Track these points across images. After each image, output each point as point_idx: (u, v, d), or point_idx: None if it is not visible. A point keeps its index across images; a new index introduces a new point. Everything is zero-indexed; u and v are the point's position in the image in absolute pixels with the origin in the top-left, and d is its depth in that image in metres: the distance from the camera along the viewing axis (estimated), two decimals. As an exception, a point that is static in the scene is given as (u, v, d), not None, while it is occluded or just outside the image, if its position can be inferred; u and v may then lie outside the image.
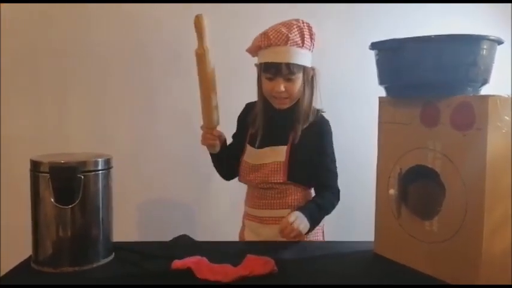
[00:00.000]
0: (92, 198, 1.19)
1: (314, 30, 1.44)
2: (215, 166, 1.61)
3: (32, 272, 1.16)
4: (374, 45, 1.23)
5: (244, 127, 1.58)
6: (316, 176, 1.49)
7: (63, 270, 1.15)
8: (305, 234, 1.37)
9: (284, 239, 1.32)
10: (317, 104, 1.51)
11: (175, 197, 2.33)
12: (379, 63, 1.25)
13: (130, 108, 2.27)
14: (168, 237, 1.43)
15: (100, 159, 1.20)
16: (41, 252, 1.18)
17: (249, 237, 1.55)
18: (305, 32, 1.41)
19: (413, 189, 1.23)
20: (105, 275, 1.14)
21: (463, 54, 1.08)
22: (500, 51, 1.15)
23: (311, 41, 1.43)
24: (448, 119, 1.09)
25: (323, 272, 1.17)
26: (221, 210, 2.31)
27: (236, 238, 1.63)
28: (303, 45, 1.41)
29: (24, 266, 1.20)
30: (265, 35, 1.40)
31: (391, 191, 1.25)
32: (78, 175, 1.15)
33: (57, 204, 1.14)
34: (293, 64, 1.39)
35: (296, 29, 1.40)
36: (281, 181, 1.46)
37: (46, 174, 1.14)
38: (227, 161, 1.59)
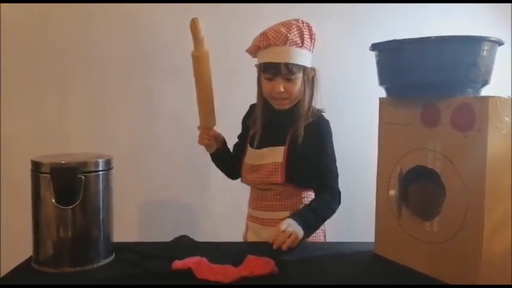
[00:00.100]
0: (93, 198, 1.19)
1: (314, 30, 1.43)
2: (216, 166, 1.63)
3: (33, 272, 1.16)
4: (374, 46, 1.23)
5: (247, 128, 1.58)
6: (315, 177, 1.47)
7: (64, 271, 1.15)
8: (300, 241, 1.30)
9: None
10: (317, 104, 1.50)
11: (175, 197, 2.33)
12: (380, 64, 1.25)
13: (131, 108, 2.27)
14: (168, 237, 1.43)
15: (100, 160, 1.20)
16: (41, 252, 1.18)
17: (252, 239, 1.55)
18: (305, 32, 1.40)
19: (414, 189, 1.23)
20: (106, 275, 1.14)
21: (463, 55, 1.08)
22: (501, 52, 1.15)
23: (311, 41, 1.42)
24: (448, 120, 1.09)
25: (323, 272, 1.17)
26: (221, 211, 2.31)
27: (236, 239, 1.63)
28: (302, 45, 1.39)
29: (24, 266, 1.20)
30: (264, 35, 1.40)
31: (392, 192, 1.25)
32: (79, 176, 1.15)
33: (57, 205, 1.14)
34: (292, 64, 1.38)
35: (295, 29, 1.38)
36: (279, 182, 1.45)
37: (47, 175, 1.14)
38: (229, 161, 1.60)
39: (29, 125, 2.21)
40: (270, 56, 1.39)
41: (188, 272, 1.11)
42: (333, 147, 1.49)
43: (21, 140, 2.19)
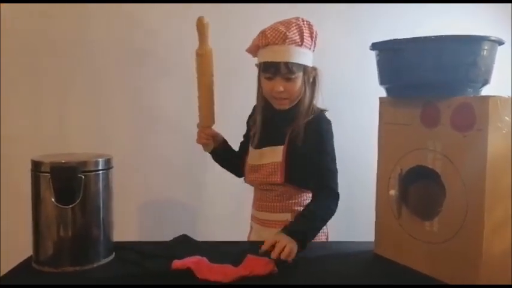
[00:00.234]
0: (93, 198, 1.19)
1: (315, 28, 1.41)
2: (218, 164, 1.64)
3: (33, 272, 1.16)
4: (375, 46, 1.23)
5: (250, 128, 1.58)
6: (313, 176, 1.41)
7: (64, 270, 1.15)
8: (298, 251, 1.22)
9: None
10: (319, 104, 1.47)
11: (175, 197, 2.33)
12: (380, 64, 1.25)
13: (131, 108, 2.27)
14: (168, 237, 1.43)
15: (100, 159, 1.21)
16: (41, 252, 1.18)
17: (254, 239, 1.53)
18: (304, 31, 1.37)
19: (414, 189, 1.24)
20: (106, 275, 1.14)
21: (463, 55, 1.08)
22: (501, 52, 1.15)
23: (311, 40, 1.40)
24: (448, 120, 1.09)
25: (323, 272, 1.17)
26: (221, 211, 2.31)
27: (236, 238, 1.62)
28: (302, 44, 1.37)
29: (24, 265, 1.21)
30: (263, 33, 1.38)
31: (392, 192, 1.25)
32: (79, 175, 1.15)
33: (57, 204, 1.14)
34: (292, 63, 1.35)
35: (295, 28, 1.36)
36: (279, 182, 1.43)
37: (47, 174, 1.14)
38: (230, 160, 1.60)
39: (29, 125, 2.21)
40: (269, 55, 1.37)
41: (188, 271, 1.11)
42: (332, 147, 1.45)
43: (21, 140, 2.18)
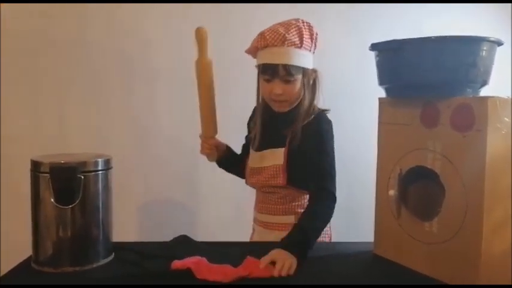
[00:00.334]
0: (92, 198, 1.19)
1: (315, 29, 1.39)
2: (224, 170, 1.64)
3: (32, 272, 1.16)
4: (374, 46, 1.23)
5: (251, 130, 1.57)
6: (312, 176, 1.38)
7: (63, 270, 1.15)
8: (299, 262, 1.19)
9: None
10: (319, 105, 1.45)
11: (175, 197, 2.33)
12: (379, 64, 1.25)
13: (131, 108, 2.27)
14: (168, 237, 1.43)
15: (100, 160, 1.21)
16: (41, 252, 1.18)
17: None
18: (304, 32, 1.35)
19: (413, 190, 1.23)
20: (105, 275, 1.14)
21: (462, 56, 1.08)
22: (500, 52, 1.15)
23: (311, 42, 1.38)
24: (447, 120, 1.09)
25: (322, 272, 1.17)
26: (221, 211, 2.31)
27: (236, 238, 1.62)
28: (301, 46, 1.35)
29: (24, 266, 1.20)
30: (261, 35, 1.36)
31: (391, 192, 1.25)
32: (78, 175, 1.15)
33: (57, 205, 1.14)
34: (291, 66, 1.33)
35: (294, 29, 1.34)
36: (281, 184, 1.42)
37: (46, 175, 1.14)
38: (236, 165, 1.60)
39: (29, 125, 2.21)
40: (268, 57, 1.35)
41: (187, 272, 1.11)
42: (332, 147, 1.42)
43: (21, 140, 2.19)
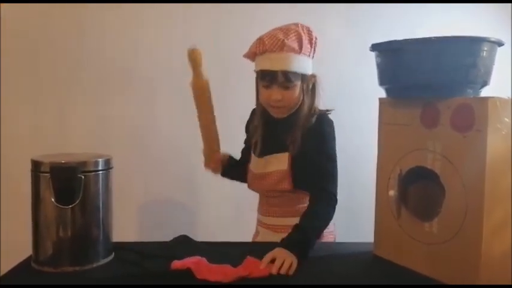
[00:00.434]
0: (92, 198, 1.19)
1: (315, 34, 1.38)
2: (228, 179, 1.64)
3: (32, 272, 1.16)
4: (374, 47, 1.23)
5: (250, 135, 1.57)
6: (313, 177, 1.37)
7: (63, 270, 1.15)
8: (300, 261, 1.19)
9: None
10: (320, 107, 1.44)
11: (176, 197, 2.33)
12: (380, 65, 1.25)
13: (131, 108, 2.27)
14: (168, 237, 1.43)
15: (100, 160, 1.21)
16: (41, 252, 1.18)
17: None
18: (303, 37, 1.33)
19: (413, 190, 1.23)
20: (105, 275, 1.14)
21: (463, 56, 1.08)
22: (501, 53, 1.15)
23: (310, 47, 1.37)
24: (448, 121, 1.09)
25: (322, 272, 1.17)
26: (221, 211, 2.31)
27: (236, 239, 1.62)
28: (300, 52, 1.33)
29: (24, 265, 1.21)
30: (260, 40, 1.34)
31: (391, 192, 1.25)
32: (79, 175, 1.15)
33: (57, 204, 1.14)
34: (290, 72, 1.32)
35: (293, 34, 1.32)
36: (287, 189, 1.41)
37: (47, 174, 1.14)
38: (240, 173, 1.58)
39: (29, 125, 2.21)
40: (267, 63, 1.33)
41: (187, 272, 1.11)
42: (334, 149, 1.42)
43: (21, 140, 2.19)
